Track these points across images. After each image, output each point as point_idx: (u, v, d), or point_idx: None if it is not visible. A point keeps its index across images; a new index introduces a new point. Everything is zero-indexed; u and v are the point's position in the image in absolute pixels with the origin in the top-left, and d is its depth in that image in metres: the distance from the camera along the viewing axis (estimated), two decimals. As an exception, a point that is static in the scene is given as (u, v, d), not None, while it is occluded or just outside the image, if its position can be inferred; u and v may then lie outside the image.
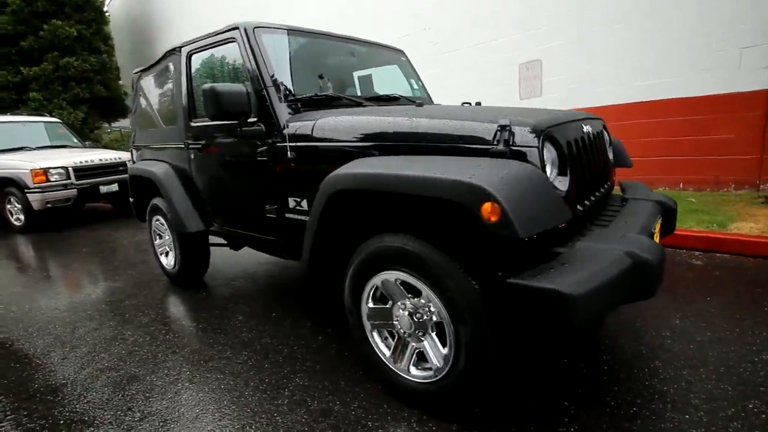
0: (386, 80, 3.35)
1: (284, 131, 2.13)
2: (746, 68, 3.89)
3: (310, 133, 2.03)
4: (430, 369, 1.62)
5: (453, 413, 1.62)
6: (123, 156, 6.74)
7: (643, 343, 2.08)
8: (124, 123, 13.79)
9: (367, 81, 3.24)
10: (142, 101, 3.47)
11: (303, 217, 2.17)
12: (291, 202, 2.22)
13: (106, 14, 11.45)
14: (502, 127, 1.48)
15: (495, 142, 1.49)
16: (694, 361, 1.90)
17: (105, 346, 2.44)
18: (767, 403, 1.61)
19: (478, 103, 2.66)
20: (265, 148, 2.23)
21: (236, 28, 2.31)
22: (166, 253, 3.47)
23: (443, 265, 1.45)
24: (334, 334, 2.38)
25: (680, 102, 4.30)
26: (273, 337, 2.41)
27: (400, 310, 1.67)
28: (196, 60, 2.69)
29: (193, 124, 2.76)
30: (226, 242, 3.17)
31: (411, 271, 1.54)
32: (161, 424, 1.73)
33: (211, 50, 2.56)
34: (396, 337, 1.73)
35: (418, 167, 1.46)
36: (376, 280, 1.70)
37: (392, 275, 1.63)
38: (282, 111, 2.17)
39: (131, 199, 3.69)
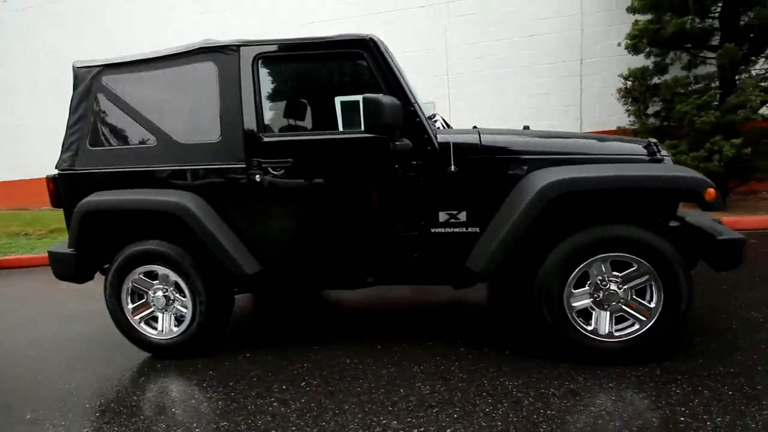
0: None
1: (438, 146, 2.18)
2: (568, 119, 6.04)
3: (477, 148, 2.18)
4: (632, 326, 2.08)
5: (646, 359, 2.11)
6: None
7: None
8: None
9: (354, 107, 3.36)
10: (106, 107, 2.46)
11: (461, 230, 2.24)
12: (442, 216, 2.24)
13: None
14: (655, 144, 2.17)
15: (650, 155, 2.16)
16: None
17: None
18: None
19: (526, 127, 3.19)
20: (412, 162, 2.19)
21: (364, 39, 2.18)
22: (150, 321, 2.51)
23: (658, 241, 1.97)
24: (469, 342, 2.45)
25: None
26: (421, 363, 2.26)
27: (614, 283, 2.05)
28: (270, 65, 2.28)
29: (267, 140, 2.27)
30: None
31: (623, 251, 1.99)
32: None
33: (300, 58, 2.26)
34: (595, 310, 2.10)
35: (632, 171, 1.97)
36: (583, 267, 2.05)
37: (602, 259, 2.03)
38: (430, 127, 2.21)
39: (71, 251, 2.46)
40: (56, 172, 2.55)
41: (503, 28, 5.90)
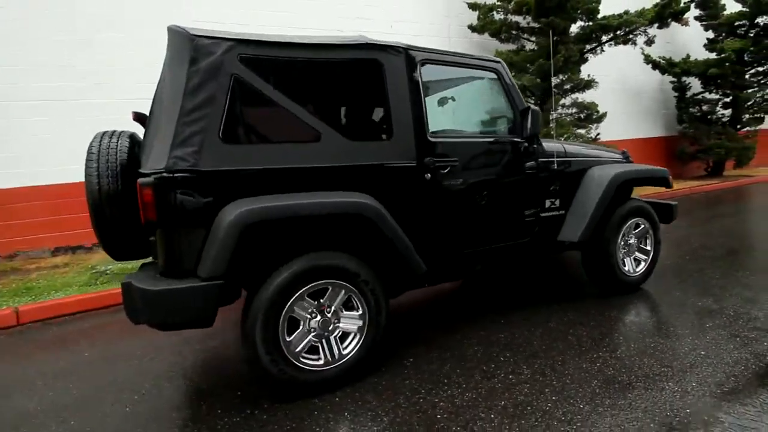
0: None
1: (546, 150, 2.87)
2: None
3: (563, 152, 2.98)
4: (640, 264, 3.30)
5: (647, 284, 3.37)
6: None
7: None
8: None
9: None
10: (245, 92, 1.93)
11: (555, 213, 2.98)
12: (547, 203, 2.92)
13: None
14: (626, 151, 3.53)
15: (624, 159, 3.50)
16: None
17: None
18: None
19: None
20: (531, 163, 2.78)
21: (500, 61, 2.64)
22: (320, 346, 2.10)
23: (650, 208, 3.26)
24: (545, 301, 3.16)
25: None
26: (543, 325, 2.82)
27: (632, 238, 3.21)
28: (431, 71, 2.42)
29: (433, 140, 2.37)
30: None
31: (639, 216, 3.19)
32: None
33: (455, 68, 2.53)
34: (627, 257, 3.22)
35: (635, 167, 3.21)
36: (625, 229, 3.13)
37: (632, 223, 3.17)
38: (536, 134, 2.88)
39: (212, 282, 1.79)
40: (156, 175, 1.78)
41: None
